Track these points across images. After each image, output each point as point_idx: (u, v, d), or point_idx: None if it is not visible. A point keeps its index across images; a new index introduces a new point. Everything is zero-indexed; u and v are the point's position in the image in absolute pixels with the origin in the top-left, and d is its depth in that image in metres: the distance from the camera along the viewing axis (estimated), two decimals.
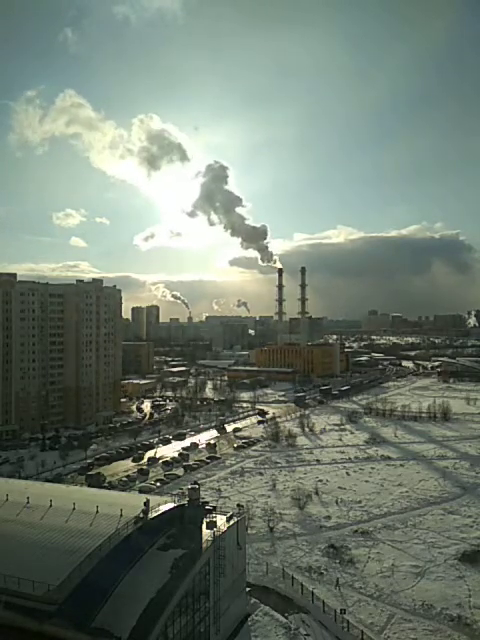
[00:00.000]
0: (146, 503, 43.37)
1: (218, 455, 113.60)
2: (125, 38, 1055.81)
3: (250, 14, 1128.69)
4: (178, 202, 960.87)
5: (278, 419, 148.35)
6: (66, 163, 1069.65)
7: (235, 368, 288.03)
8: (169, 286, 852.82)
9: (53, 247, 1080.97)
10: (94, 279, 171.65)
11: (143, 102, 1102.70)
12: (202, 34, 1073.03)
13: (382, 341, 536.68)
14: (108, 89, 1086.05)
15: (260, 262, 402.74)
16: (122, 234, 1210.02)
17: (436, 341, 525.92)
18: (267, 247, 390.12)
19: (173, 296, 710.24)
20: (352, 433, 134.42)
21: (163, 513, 44.27)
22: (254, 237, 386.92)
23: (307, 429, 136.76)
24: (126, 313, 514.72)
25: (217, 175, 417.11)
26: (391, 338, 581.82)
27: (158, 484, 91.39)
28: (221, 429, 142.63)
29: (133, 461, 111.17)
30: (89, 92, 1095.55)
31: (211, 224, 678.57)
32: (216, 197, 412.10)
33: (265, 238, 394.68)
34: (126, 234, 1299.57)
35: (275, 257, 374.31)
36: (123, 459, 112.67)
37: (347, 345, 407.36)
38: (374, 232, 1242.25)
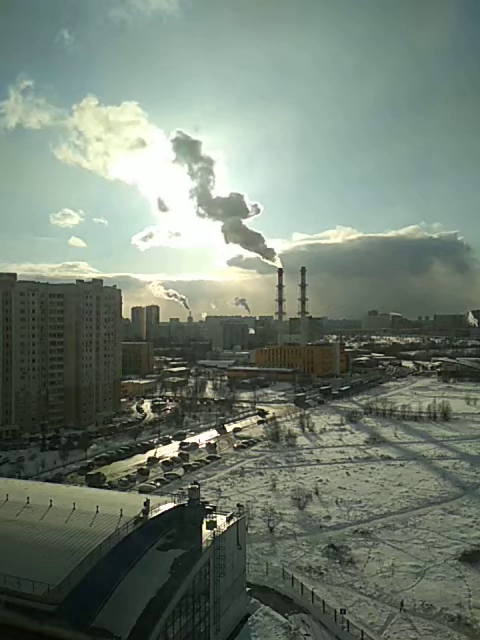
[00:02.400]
0: (146, 503, 43.36)
1: (218, 455, 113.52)
2: (122, 40, 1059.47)
3: (248, 14, 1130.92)
4: (176, 202, 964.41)
5: (278, 419, 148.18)
6: (64, 163, 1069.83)
7: (235, 368, 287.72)
8: (169, 286, 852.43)
9: (52, 247, 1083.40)
10: (94, 279, 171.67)
11: (141, 103, 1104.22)
12: (200, 35, 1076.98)
13: (382, 341, 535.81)
14: (105, 91, 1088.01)
15: (225, 240, 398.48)
16: (121, 234, 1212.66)
17: (436, 341, 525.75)
18: (245, 226, 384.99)
19: (168, 294, 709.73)
20: (352, 433, 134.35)
21: (163, 513, 44.25)
22: (229, 211, 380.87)
23: (307, 429, 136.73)
24: (126, 313, 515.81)
25: (186, 142, 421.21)
26: (391, 338, 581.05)
27: (158, 484, 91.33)
28: (221, 429, 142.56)
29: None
30: (86, 93, 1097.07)
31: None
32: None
33: (244, 214, 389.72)
34: (125, 234, 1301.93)
35: (274, 252, 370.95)
36: (123, 459, 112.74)
37: (347, 345, 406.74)
38: (372, 232, 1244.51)
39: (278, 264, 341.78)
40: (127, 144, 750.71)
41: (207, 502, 54.45)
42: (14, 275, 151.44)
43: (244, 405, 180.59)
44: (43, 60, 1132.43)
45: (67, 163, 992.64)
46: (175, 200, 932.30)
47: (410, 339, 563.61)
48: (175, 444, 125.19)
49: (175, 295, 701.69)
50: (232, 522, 48.22)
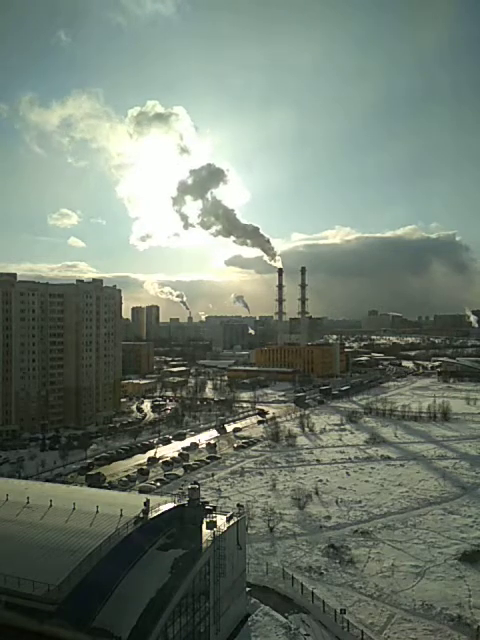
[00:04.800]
0: (146, 503, 43.36)
1: (218, 455, 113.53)
2: (120, 42, 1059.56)
3: (246, 15, 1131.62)
4: (174, 202, 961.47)
5: (278, 419, 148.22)
6: (62, 163, 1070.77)
7: (235, 368, 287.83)
8: (168, 286, 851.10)
9: (51, 247, 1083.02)
10: (94, 279, 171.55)
11: (140, 105, 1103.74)
12: (197, 37, 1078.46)
13: (382, 341, 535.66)
14: (104, 92, 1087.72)
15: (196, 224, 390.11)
16: (120, 234, 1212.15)
17: (436, 341, 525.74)
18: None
19: (163, 292, 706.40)
20: (352, 433, 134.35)
21: (163, 513, 44.25)
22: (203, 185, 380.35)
23: (307, 429, 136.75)
24: (126, 313, 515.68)
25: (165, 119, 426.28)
26: (391, 338, 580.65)
27: (158, 484, 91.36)
28: (221, 429, 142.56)
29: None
30: (84, 94, 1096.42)
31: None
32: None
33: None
34: (124, 234, 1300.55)
35: (274, 250, 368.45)
36: (123, 459, 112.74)
37: (347, 345, 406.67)
38: (370, 232, 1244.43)
39: (278, 264, 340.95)
40: (123, 143, 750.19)
41: (207, 502, 54.38)
42: (14, 275, 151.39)
43: (244, 405, 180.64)
44: (41, 60, 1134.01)
45: (64, 163, 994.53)
46: (173, 199, 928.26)
47: (410, 339, 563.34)
48: (175, 444, 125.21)
49: (171, 292, 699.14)
50: (232, 522, 48.22)
